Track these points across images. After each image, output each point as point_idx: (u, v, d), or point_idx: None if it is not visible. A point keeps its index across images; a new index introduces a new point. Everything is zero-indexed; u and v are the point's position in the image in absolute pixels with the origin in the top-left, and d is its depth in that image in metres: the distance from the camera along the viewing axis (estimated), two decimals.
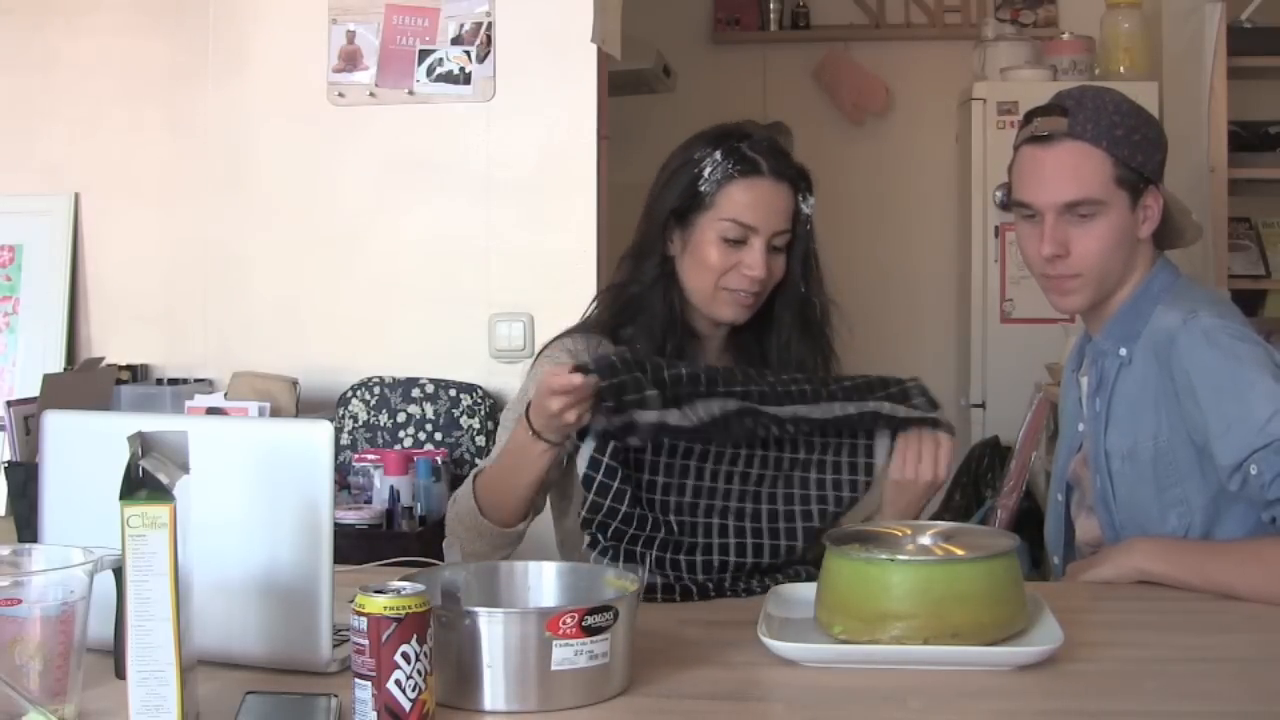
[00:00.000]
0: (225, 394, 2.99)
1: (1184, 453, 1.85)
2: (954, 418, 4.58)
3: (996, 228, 4.24)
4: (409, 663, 1.20)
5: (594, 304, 2.12)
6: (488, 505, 1.86)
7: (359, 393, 3.08)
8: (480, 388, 3.07)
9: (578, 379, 1.64)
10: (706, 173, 1.95)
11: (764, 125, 5.06)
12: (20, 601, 1.20)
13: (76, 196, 3.29)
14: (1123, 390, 1.93)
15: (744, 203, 1.94)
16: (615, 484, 1.70)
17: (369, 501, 2.78)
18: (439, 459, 2.84)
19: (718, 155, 1.95)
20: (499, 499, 1.85)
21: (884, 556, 1.48)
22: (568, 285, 3.07)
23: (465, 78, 3.11)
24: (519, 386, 2.07)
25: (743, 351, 2.07)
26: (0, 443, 2.75)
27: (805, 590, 1.61)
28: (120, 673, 1.26)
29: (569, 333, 2.07)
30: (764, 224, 1.94)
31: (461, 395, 3.05)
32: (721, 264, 1.95)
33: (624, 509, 1.70)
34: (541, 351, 2.07)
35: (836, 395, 1.77)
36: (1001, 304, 4.26)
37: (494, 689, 1.27)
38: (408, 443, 3.02)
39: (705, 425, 1.70)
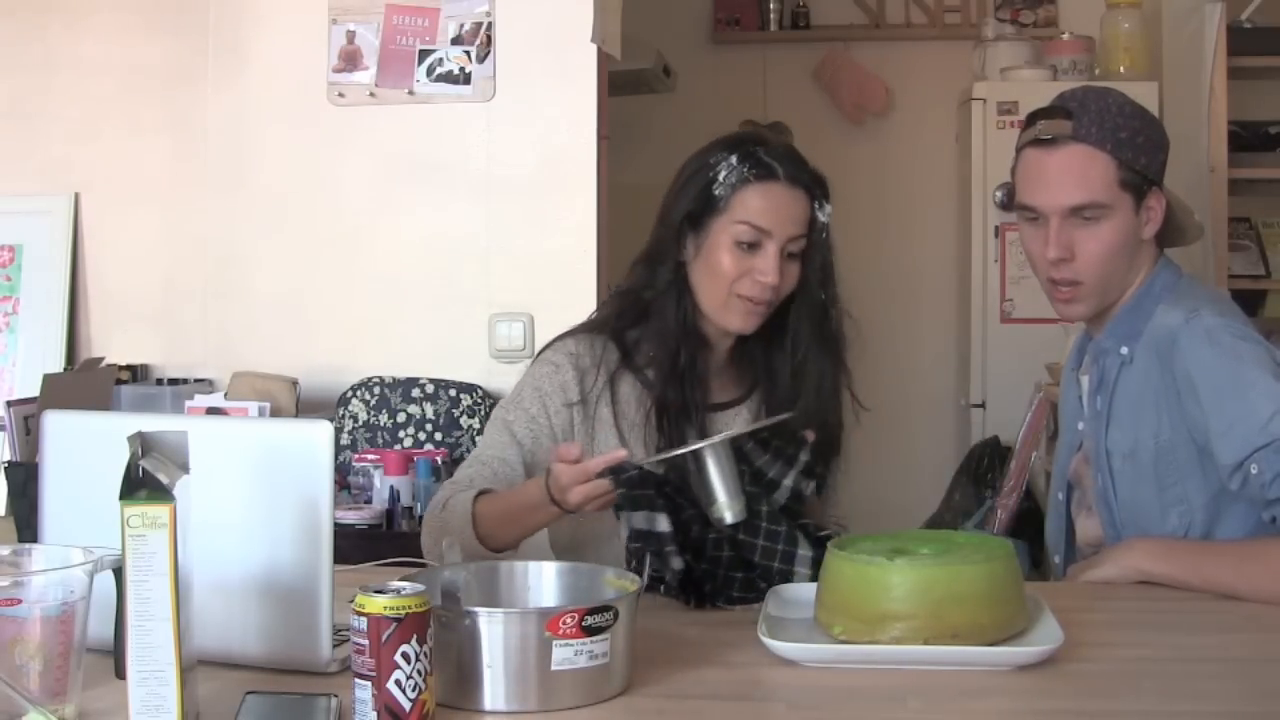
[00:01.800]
0: (225, 394, 2.99)
1: (1185, 452, 1.85)
2: (954, 418, 4.61)
3: (996, 228, 4.24)
4: (409, 663, 1.20)
5: (602, 306, 2.10)
6: (487, 534, 1.82)
7: (359, 393, 3.08)
8: (480, 388, 3.07)
9: (600, 485, 1.66)
10: (721, 176, 1.92)
11: (764, 125, 5.05)
12: (20, 601, 1.20)
13: (76, 196, 3.29)
14: (1124, 389, 1.93)
15: (758, 207, 1.91)
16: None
17: (369, 501, 2.78)
18: (439, 459, 2.84)
19: (733, 159, 1.92)
20: (502, 534, 1.82)
21: (884, 558, 1.48)
22: (568, 285, 3.07)
23: (465, 78, 3.11)
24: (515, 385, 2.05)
25: (748, 363, 2.04)
26: (0, 443, 2.75)
27: (805, 590, 1.61)
28: (120, 673, 1.26)
29: (571, 333, 2.05)
30: (778, 228, 1.90)
31: (461, 395, 3.05)
32: (735, 270, 1.91)
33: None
34: (541, 352, 2.06)
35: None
36: (1001, 304, 4.26)
37: (494, 689, 1.27)
38: (408, 443, 3.02)
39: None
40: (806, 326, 1.98)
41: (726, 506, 1.66)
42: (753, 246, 1.91)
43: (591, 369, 1.99)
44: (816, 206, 1.95)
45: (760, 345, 2.02)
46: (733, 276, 1.91)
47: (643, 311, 2.00)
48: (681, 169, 2.00)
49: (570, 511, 1.74)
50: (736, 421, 2.01)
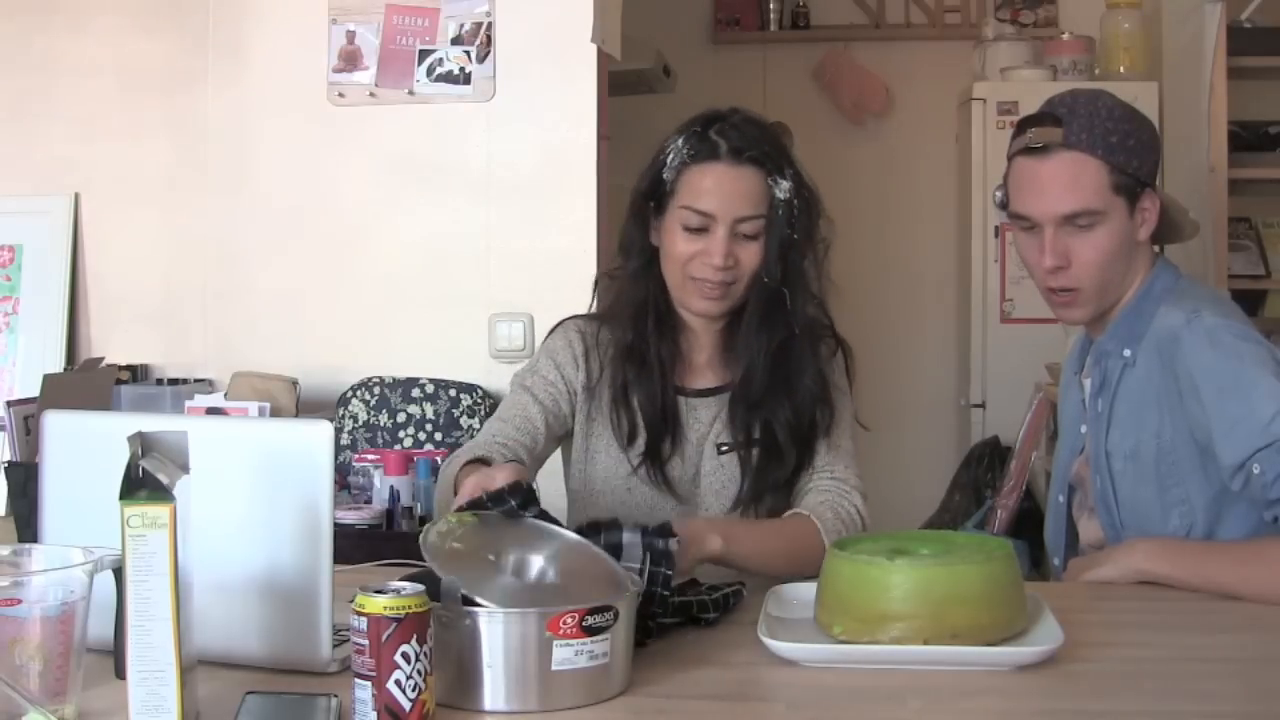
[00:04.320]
0: (225, 394, 2.99)
1: (1186, 452, 1.85)
2: (954, 418, 4.61)
3: (996, 228, 4.24)
4: (409, 663, 1.20)
5: (595, 293, 2.13)
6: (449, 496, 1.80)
7: (359, 393, 3.08)
8: (480, 388, 3.07)
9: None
10: (669, 159, 1.92)
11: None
12: (20, 601, 1.20)
13: (76, 196, 3.29)
14: (1126, 390, 1.93)
15: (700, 189, 1.89)
16: None
17: (369, 501, 2.77)
18: (439, 459, 2.84)
19: (679, 141, 1.92)
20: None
21: (884, 558, 1.48)
22: (568, 285, 3.05)
23: (465, 78, 3.11)
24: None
25: (730, 348, 2.00)
26: (0, 443, 2.75)
27: (805, 590, 1.61)
28: (120, 673, 1.26)
29: (576, 316, 2.09)
30: (723, 210, 1.88)
31: (461, 395, 3.05)
32: (685, 252, 1.90)
33: None
34: (556, 326, 2.09)
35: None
36: (1001, 304, 4.27)
37: (494, 689, 1.27)
38: (408, 443, 3.02)
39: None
40: (753, 305, 1.95)
41: None
42: (701, 230, 1.90)
43: (595, 349, 2.02)
44: (772, 183, 1.91)
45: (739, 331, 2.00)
46: (684, 259, 1.91)
47: (621, 298, 2.02)
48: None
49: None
50: (724, 410, 1.98)
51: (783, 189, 1.91)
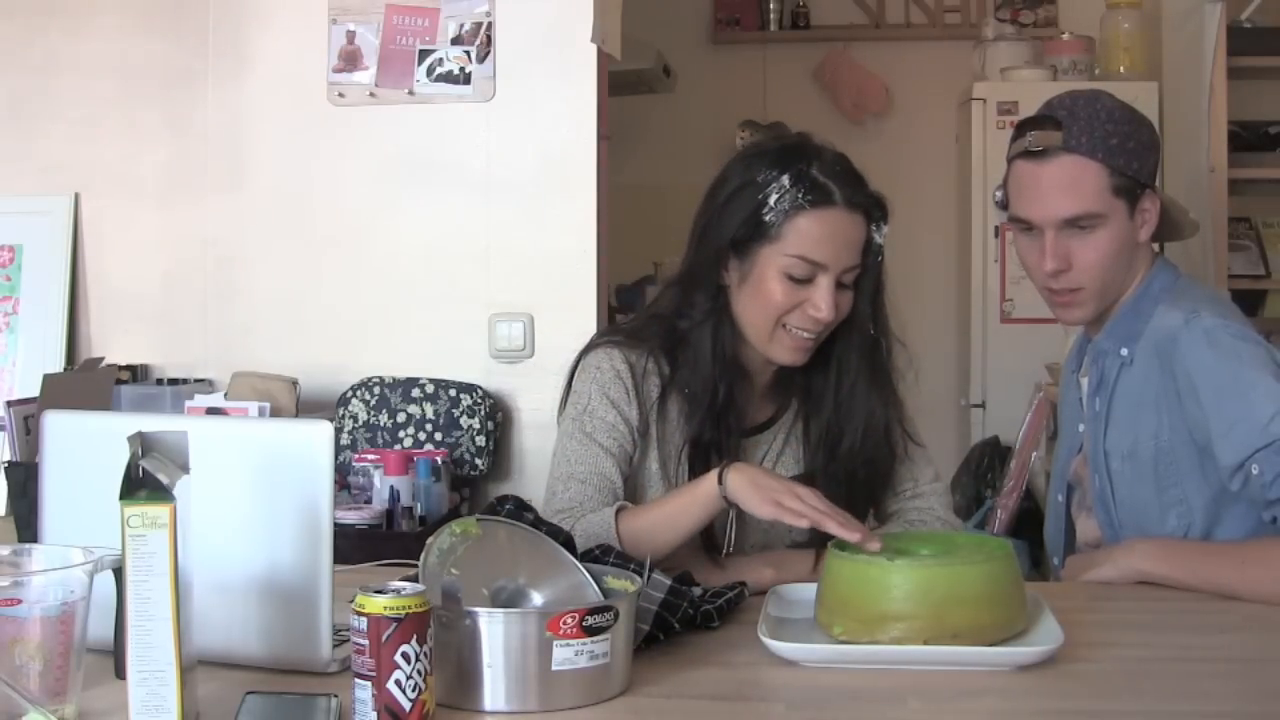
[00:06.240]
0: (225, 394, 2.99)
1: (1184, 452, 1.85)
2: (954, 418, 4.61)
3: (996, 228, 4.24)
4: (409, 663, 1.20)
5: (634, 321, 1.97)
6: (635, 549, 1.64)
7: (359, 393, 3.08)
8: (480, 388, 3.07)
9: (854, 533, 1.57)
10: (772, 200, 1.76)
11: (764, 126, 5.02)
12: (20, 601, 1.20)
13: (76, 196, 3.28)
14: (1123, 390, 1.93)
15: (815, 237, 1.75)
16: None
17: (369, 501, 2.78)
18: (439, 459, 2.84)
19: (785, 180, 1.76)
20: (654, 544, 1.67)
21: (884, 558, 1.48)
22: (568, 285, 3.07)
23: (465, 78, 3.11)
24: (567, 394, 1.92)
25: (783, 383, 1.92)
26: (0, 443, 2.75)
27: (805, 590, 1.61)
28: (120, 673, 1.27)
29: (615, 342, 1.91)
30: (835, 260, 1.76)
31: (461, 395, 3.04)
32: (785, 302, 1.77)
33: None
34: (584, 358, 1.91)
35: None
36: (1001, 304, 4.27)
37: (494, 689, 1.27)
38: (408, 443, 3.02)
39: None
40: (855, 358, 1.86)
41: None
42: (805, 280, 1.77)
43: (643, 382, 1.88)
44: (874, 229, 1.81)
45: (802, 379, 1.90)
46: (783, 309, 1.78)
47: (680, 339, 1.87)
48: (719, 182, 1.84)
49: (730, 505, 1.67)
50: (775, 443, 1.92)
51: (882, 234, 1.82)
